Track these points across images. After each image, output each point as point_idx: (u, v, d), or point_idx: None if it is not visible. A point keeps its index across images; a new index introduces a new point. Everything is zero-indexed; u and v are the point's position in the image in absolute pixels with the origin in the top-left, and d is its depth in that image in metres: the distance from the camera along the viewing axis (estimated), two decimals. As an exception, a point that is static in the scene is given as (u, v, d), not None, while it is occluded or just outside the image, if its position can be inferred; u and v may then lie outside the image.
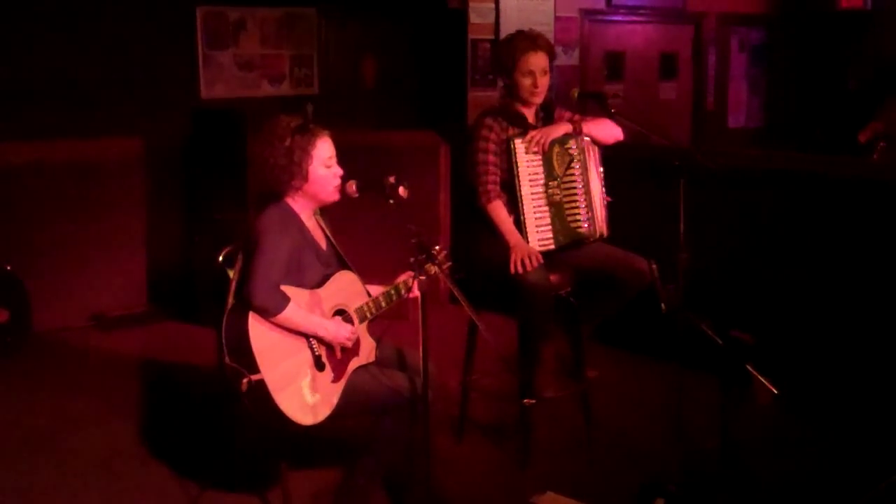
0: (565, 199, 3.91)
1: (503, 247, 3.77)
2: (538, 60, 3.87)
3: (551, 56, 3.94)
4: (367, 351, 3.26)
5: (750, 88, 8.71)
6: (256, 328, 2.96)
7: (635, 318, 4.05)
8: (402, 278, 3.32)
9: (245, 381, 2.93)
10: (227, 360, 2.99)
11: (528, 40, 3.89)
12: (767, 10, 8.62)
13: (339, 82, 6.83)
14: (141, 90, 6.00)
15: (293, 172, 3.11)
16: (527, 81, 3.87)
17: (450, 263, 3.37)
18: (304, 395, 3.02)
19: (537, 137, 3.84)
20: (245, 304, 2.96)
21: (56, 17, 5.70)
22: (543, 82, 3.88)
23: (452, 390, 4.09)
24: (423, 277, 2.92)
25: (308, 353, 3.07)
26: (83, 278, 5.85)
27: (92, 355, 5.38)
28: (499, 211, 3.85)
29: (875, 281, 4.22)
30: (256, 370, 2.93)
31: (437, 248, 3.33)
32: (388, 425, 3.20)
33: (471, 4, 6.37)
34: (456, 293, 2.94)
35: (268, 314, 2.96)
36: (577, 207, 3.90)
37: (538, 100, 3.92)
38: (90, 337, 5.69)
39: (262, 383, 2.93)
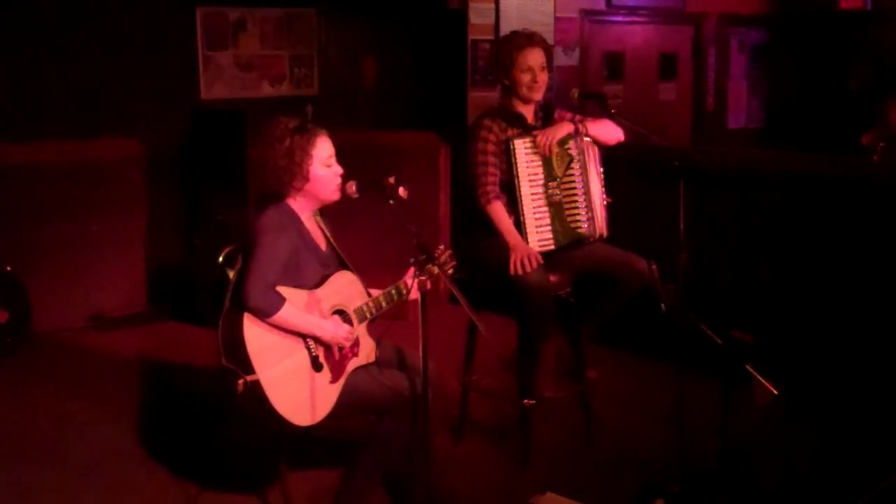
0: (565, 200, 3.91)
1: (503, 247, 3.77)
2: (535, 56, 3.87)
3: (548, 53, 3.94)
4: (367, 351, 3.26)
5: (750, 89, 8.70)
6: (251, 329, 2.95)
7: (635, 318, 4.04)
8: (404, 279, 3.32)
9: (240, 381, 2.93)
10: (223, 360, 2.99)
11: (523, 38, 3.90)
12: (767, 10, 8.62)
13: (339, 82, 6.83)
14: (141, 90, 6.00)
15: (294, 173, 3.11)
16: (526, 77, 3.87)
17: (454, 263, 3.37)
18: (300, 395, 3.02)
19: (543, 140, 3.84)
20: (240, 306, 2.96)
21: (56, 17, 5.70)
22: (542, 77, 3.89)
23: (452, 390, 4.10)
24: (423, 278, 2.92)
25: (305, 353, 3.07)
26: (83, 278, 5.85)
27: (92, 355, 5.38)
28: (498, 212, 3.85)
29: (875, 281, 4.22)
30: (252, 371, 2.93)
31: (440, 247, 3.33)
32: (388, 425, 3.20)
33: (471, 4, 6.37)
34: (456, 293, 2.94)
35: (263, 315, 2.96)
36: (576, 208, 3.90)
37: (538, 96, 3.92)
38: (90, 337, 5.69)
39: (257, 384, 2.93)
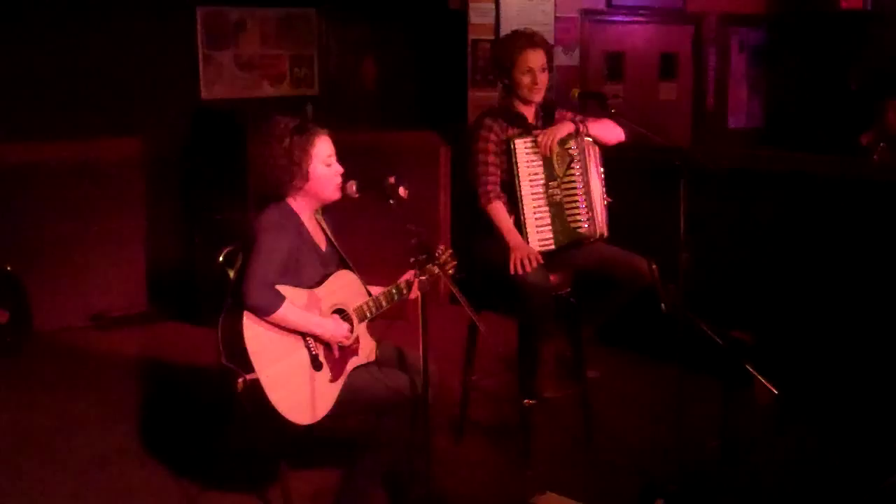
0: (565, 200, 3.91)
1: (503, 247, 3.77)
2: (536, 57, 3.87)
3: (549, 54, 3.94)
4: (367, 350, 3.26)
5: (750, 88, 8.70)
6: (251, 328, 2.95)
7: (635, 318, 4.04)
8: (404, 278, 3.32)
9: (240, 380, 2.93)
10: (223, 360, 2.99)
11: (524, 38, 3.90)
12: (767, 11, 8.61)
13: (339, 82, 6.83)
14: (141, 90, 6.00)
15: (294, 172, 3.11)
16: (526, 79, 3.87)
17: (455, 262, 3.37)
18: (300, 394, 3.02)
19: (544, 140, 3.84)
20: (240, 304, 2.96)
21: (56, 17, 5.70)
22: (543, 79, 3.88)
23: (452, 390, 4.09)
24: (423, 278, 2.92)
25: (304, 352, 3.06)
26: (83, 278, 5.85)
27: (92, 355, 5.38)
28: (499, 212, 3.85)
29: (875, 281, 4.22)
30: (251, 370, 2.93)
31: (441, 247, 3.33)
32: (388, 425, 3.20)
33: (471, 4, 6.37)
34: (456, 293, 2.94)
35: (262, 313, 2.96)
36: (577, 208, 3.90)
37: (538, 98, 3.92)
38: (90, 337, 5.69)
39: (256, 383, 2.93)
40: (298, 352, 3.05)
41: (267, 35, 6.49)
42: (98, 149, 5.88)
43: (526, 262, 3.69)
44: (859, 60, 8.00)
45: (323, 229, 3.32)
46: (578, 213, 3.90)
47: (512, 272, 3.70)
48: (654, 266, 3.49)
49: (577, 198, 3.90)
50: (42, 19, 5.66)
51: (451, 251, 3.36)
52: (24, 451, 4.05)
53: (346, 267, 3.31)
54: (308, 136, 3.13)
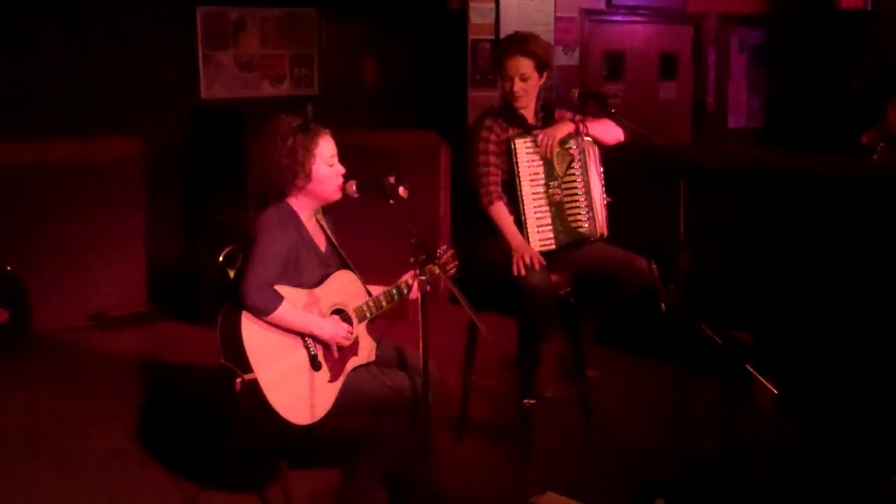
0: (566, 199, 3.91)
1: (504, 248, 3.77)
2: (516, 65, 3.85)
3: (539, 60, 3.87)
4: (367, 350, 3.26)
5: (750, 88, 8.71)
6: (249, 327, 2.95)
7: (635, 318, 4.05)
8: (404, 278, 3.32)
9: (238, 380, 2.93)
10: (222, 359, 2.99)
11: (514, 43, 3.89)
12: (767, 10, 8.62)
13: (339, 82, 6.83)
14: (141, 90, 6.00)
15: (297, 172, 3.11)
16: (506, 86, 3.89)
17: (457, 263, 3.37)
18: (298, 394, 3.02)
19: (544, 140, 3.84)
20: (238, 304, 2.96)
21: (56, 17, 5.70)
22: (521, 87, 3.86)
23: (452, 390, 4.09)
24: (423, 278, 2.92)
25: (303, 352, 3.06)
26: (83, 278, 5.85)
27: (92, 355, 5.38)
28: (501, 212, 3.85)
29: (875, 281, 4.22)
30: (250, 370, 2.93)
31: (443, 247, 3.33)
32: (388, 425, 3.20)
33: (471, 4, 6.37)
34: (456, 293, 2.94)
35: (260, 313, 2.96)
36: (577, 207, 3.91)
37: (518, 104, 3.91)
38: (90, 337, 5.69)
39: (255, 383, 2.93)
40: (297, 352, 3.05)
41: (267, 35, 6.49)
42: (98, 149, 5.88)
43: (528, 263, 3.69)
44: (859, 60, 8.01)
45: (323, 229, 3.32)
46: (579, 213, 3.91)
47: (515, 273, 3.69)
48: (653, 266, 3.49)
49: (577, 197, 3.90)
50: (42, 19, 5.66)
51: (452, 251, 3.36)
52: (24, 451, 4.05)
53: (346, 267, 3.31)
54: (312, 136, 3.13)
